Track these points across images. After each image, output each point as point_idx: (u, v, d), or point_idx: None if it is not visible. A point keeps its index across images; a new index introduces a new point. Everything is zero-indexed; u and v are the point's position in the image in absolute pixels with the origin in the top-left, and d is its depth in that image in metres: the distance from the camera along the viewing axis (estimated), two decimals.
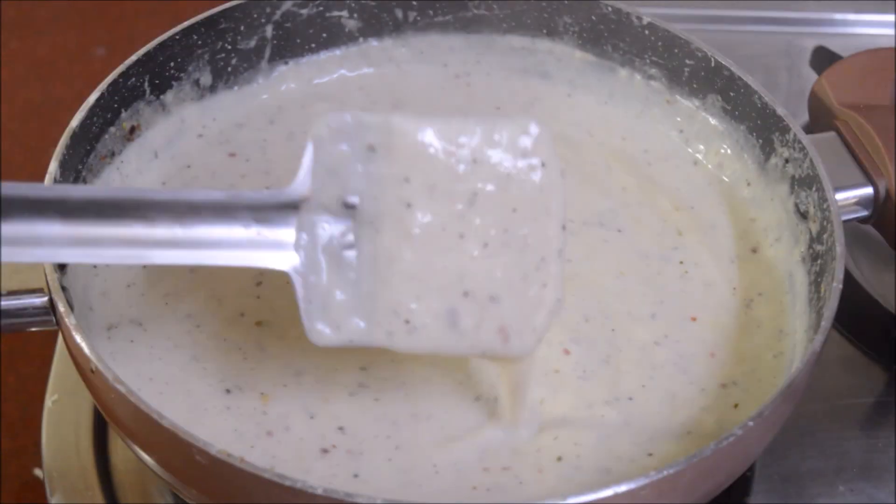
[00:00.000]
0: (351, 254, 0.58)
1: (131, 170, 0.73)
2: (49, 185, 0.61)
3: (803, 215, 0.71)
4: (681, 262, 0.72)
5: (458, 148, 0.58)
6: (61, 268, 0.64)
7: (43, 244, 0.55)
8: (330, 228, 0.58)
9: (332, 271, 0.58)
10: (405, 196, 0.58)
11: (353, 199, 0.58)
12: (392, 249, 0.58)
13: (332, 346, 0.59)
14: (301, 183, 0.58)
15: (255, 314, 0.67)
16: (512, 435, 0.62)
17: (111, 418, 0.61)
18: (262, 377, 0.64)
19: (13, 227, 0.54)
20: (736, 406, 0.65)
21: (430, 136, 0.58)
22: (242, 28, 0.77)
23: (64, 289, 0.62)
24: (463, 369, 0.65)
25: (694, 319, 0.69)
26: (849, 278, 0.79)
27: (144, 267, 0.68)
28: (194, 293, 0.68)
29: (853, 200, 0.73)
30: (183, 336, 0.66)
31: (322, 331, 0.59)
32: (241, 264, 0.59)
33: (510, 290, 0.59)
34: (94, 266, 0.68)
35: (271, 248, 0.58)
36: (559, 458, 0.62)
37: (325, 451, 0.61)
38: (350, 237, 0.58)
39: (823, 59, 0.96)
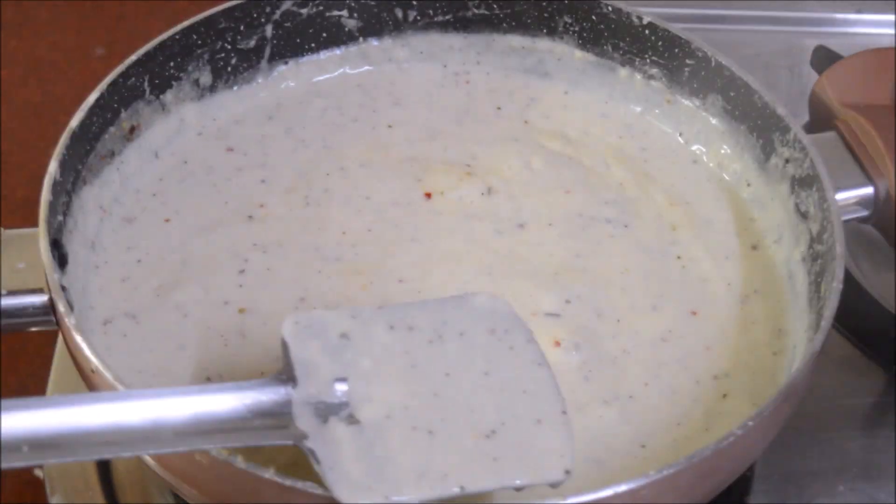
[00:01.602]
0: (355, 425, 0.57)
1: (131, 169, 0.73)
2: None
3: (803, 215, 0.71)
4: (678, 258, 0.72)
5: (421, 330, 0.59)
6: (61, 267, 0.64)
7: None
8: (327, 406, 0.57)
9: (342, 441, 0.57)
10: (389, 375, 0.58)
11: (342, 384, 0.57)
12: (389, 421, 0.57)
13: None
14: (285, 374, 0.58)
15: (239, 302, 0.68)
16: None
17: None
18: (241, 364, 0.65)
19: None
20: (724, 396, 0.66)
21: (394, 321, 0.59)
22: (242, 28, 0.77)
23: (64, 288, 0.62)
24: None
25: (694, 314, 0.69)
26: (849, 278, 0.78)
27: (139, 261, 0.69)
28: (184, 284, 0.68)
29: (853, 200, 0.73)
30: (171, 326, 0.66)
31: (353, 495, 0.56)
32: (253, 444, 0.57)
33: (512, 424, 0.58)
34: (96, 266, 0.68)
35: (276, 429, 0.57)
36: None
37: None
38: (348, 410, 0.57)
39: (823, 59, 0.95)
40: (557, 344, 0.67)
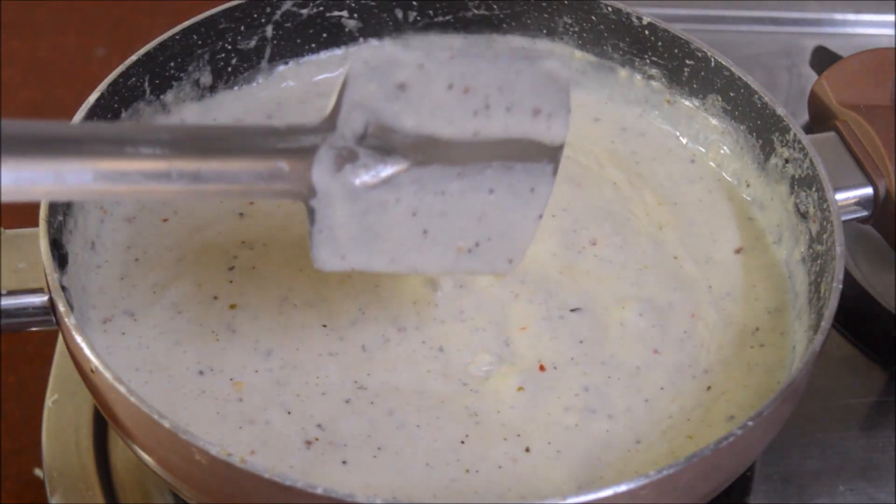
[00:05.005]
0: (367, 191, 0.59)
1: None
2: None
3: (803, 215, 0.71)
4: (675, 258, 0.72)
5: (474, 95, 0.59)
6: (61, 267, 0.64)
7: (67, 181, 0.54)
8: (350, 153, 0.58)
9: (345, 204, 0.59)
10: (424, 132, 0.59)
11: (375, 140, 0.58)
12: (401, 188, 0.60)
13: (335, 271, 0.61)
14: (328, 116, 0.58)
15: (228, 298, 0.68)
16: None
17: (111, 418, 0.61)
18: (231, 358, 0.65)
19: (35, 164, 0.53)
20: (708, 388, 0.66)
21: (455, 79, 0.59)
22: (242, 28, 0.77)
23: (64, 288, 0.62)
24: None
25: (693, 315, 0.69)
26: (849, 278, 0.79)
27: (137, 260, 0.69)
28: (178, 281, 0.68)
29: (853, 200, 0.73)
30: (167, 323, 0.67)
31: (327, 259, 0.60)
32: (260, 196, 0.60)
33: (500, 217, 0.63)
34: (97, 266, 0.68)
35: (290, 181, 0.58)
36: (548, 443, 0.63)
37: (308, 443, 0.62)
38: (365, 175, 0.59)
39: (823, 59, 0.96)
40: (554, 361, 0.67)
